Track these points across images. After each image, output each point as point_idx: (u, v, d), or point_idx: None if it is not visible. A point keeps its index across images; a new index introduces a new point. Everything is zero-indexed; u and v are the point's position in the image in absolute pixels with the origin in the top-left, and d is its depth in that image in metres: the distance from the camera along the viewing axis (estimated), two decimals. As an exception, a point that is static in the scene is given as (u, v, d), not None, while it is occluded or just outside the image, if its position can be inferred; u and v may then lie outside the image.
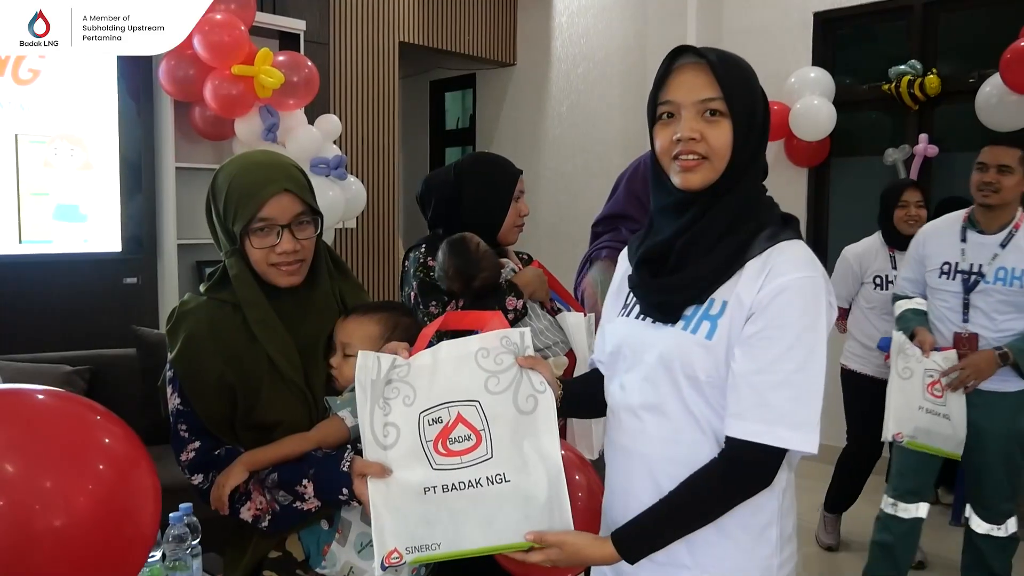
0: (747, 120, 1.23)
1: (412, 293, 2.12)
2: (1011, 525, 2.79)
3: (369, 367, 1.27)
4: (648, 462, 1.27)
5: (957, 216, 2.89)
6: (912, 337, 2.83)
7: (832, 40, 4.86)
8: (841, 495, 3.64)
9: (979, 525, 2.82)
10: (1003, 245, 2.73)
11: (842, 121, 4.57)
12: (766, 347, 1.17)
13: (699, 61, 1.23)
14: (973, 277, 2.74)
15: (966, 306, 2.76)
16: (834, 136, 4.67)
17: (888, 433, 2.75)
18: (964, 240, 2.80)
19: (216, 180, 1.49)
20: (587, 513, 1.26)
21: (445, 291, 2.06)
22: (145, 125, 4.10)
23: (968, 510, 2.88)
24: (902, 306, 2.96)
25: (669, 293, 1.26)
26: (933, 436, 2.75)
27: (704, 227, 1.24)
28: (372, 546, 1.27)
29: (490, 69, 6.49)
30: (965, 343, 2.74)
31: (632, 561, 1.22)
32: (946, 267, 2.81)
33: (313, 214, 1.49)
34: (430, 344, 1.31)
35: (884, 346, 3.01)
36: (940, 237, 2.87)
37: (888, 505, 2.92)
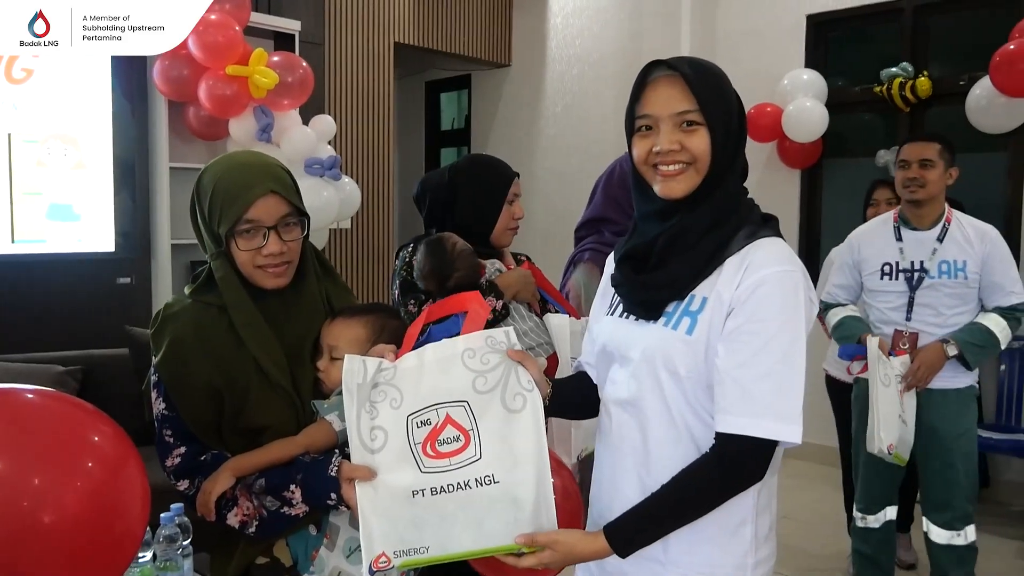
0: (723, 126, 1.25)
1: (396, 292, 2.13)
2: (970, 533, 2.70)
3: (355, 371, 1.26)
4: (633, 456, 1.29)
5: (885, 218, 2.88)
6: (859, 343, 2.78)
7: (824, 42, 4.87)
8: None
9: (939, 535, 2.72)
10: (940, 239, 2.73)
11: (834, 123, 4.58)
12: (747, 341, 1.18)
13: (672, 74, 1.25)
14: (917, 274, 2.73)
15: (911, 304, 2.74)
16: (826, 138, 4.68)
17: (882, 444, 2.61)
18: (900, 239, 2.79)
19: (201, 181, 1.47)
20: (562, 514, 1.26)
21: (423, 290, 2.07)
22: (139, 125, 4.09)
23: (925, 523, 2.77)
24: (838, 314, 2.92)
25: (650, 290, 1.28)
26: (903, 445, 2.69)
27: (686, 226, 1.25)
28: (360, 551, 1.26)
29: (485, 70, 6.49)
30: (907, 340, 2.72)
31: (624, 555, 1.22)
32: (887, 268, 2.80)
33: (299, 215, 1.48)
34: (419, 340, 1.31)
35: (845, 355, 2.87)
36: (874, 240, 2.86)
37: (859, 518, 2.91)
